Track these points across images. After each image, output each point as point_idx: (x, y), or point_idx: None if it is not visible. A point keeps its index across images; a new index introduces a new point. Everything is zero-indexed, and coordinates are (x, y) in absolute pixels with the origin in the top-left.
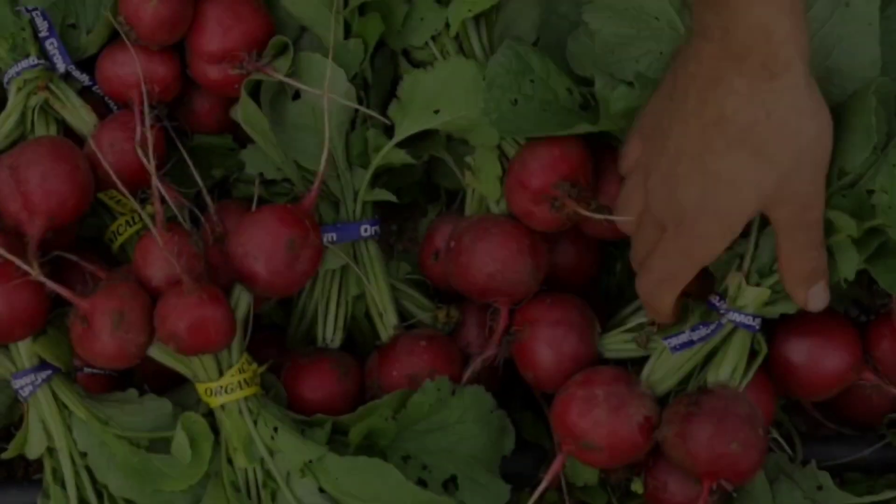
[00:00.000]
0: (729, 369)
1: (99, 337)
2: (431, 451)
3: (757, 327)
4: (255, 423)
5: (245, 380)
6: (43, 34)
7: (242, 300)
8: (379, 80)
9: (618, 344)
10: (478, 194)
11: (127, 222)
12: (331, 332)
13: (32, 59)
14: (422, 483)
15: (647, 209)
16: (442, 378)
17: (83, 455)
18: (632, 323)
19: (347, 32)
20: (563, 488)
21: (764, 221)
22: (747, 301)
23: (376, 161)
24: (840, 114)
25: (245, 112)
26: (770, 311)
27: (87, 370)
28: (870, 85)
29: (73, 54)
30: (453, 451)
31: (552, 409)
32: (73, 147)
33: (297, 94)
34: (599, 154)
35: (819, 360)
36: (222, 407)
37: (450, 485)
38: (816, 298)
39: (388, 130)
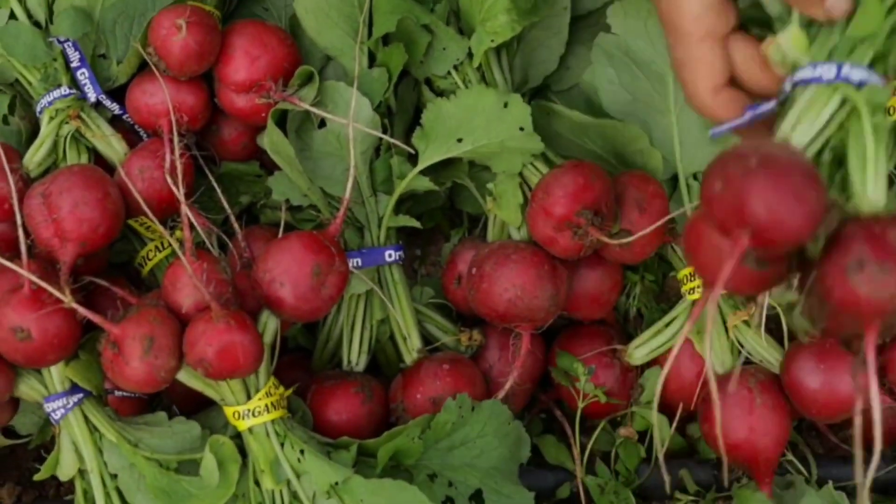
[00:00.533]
0: (789, 124)
1: (129, 362)
2: (455, 466)
3: (831, 76)
4: (282, 445)
5: (272, 403)
6: (74, 64)
7: (269, 325)
8: (402, 108)
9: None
10: (499, 220)
11: (156, 248)
12: (356, 356)
13: (64, 89)
14: (449, 500)
15: None
16: (462, 395)
17: (114, 477)
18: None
19: (372, 62)
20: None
21: None
22: (794, 51)
23: (400, 188)
24: None
25: (272, 140)
26: (820, 50)
27: (117, 393)
28: None
29: (104, 84)
30: (475, 464)
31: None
32: (103, 175)
33: (322, 122)
34: (620, 180)
35: (834, 383)
36: (250, 430)
37: (476, 499)
38: (836, 5)
39: (412, 157)
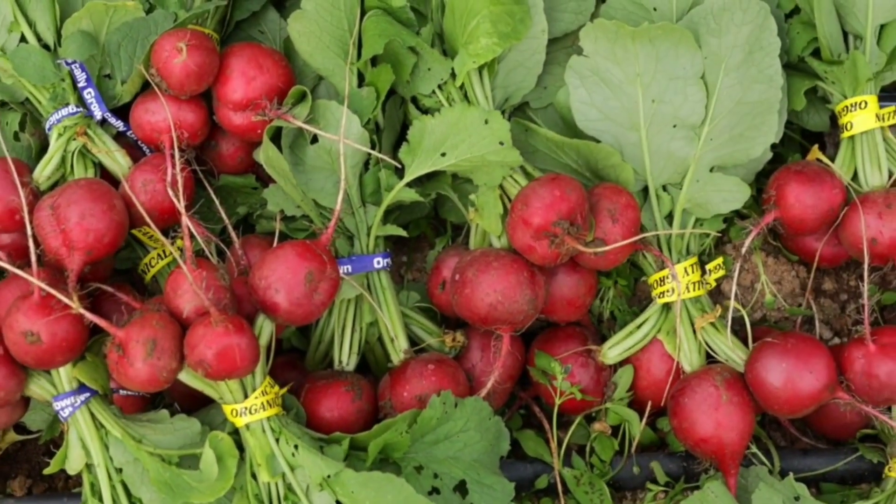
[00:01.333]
0: None
1: (133, 364)
2: (440, 459)
3: None
4: (277, 440)
5: (268, 401)
6: (81, 84)
7: (265, 329)
8: (390, 125)
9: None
10: (481, 229)
11: (158, 256)
12: (346, 356)
13: (72, 108)
14: (435, 490)
15: None
16: (446, 393)
17: (119, 471)
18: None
19: (361, 82)
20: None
21: None
22: None
23: (388, 199)
24: None
25: (267, 155)
26: None
27: (122, 392)
28: None
29: (109, 102)
30: (459, 457)
31: None
32: (109, 188)
33: (315, 139)
34: (594, 191)
35: (795, 381)
36: (247, 426)
37: (460, 489)
38: None
39: (399, 171)
